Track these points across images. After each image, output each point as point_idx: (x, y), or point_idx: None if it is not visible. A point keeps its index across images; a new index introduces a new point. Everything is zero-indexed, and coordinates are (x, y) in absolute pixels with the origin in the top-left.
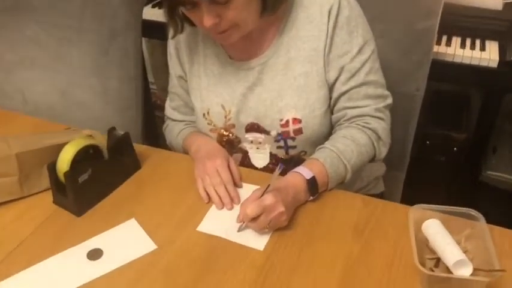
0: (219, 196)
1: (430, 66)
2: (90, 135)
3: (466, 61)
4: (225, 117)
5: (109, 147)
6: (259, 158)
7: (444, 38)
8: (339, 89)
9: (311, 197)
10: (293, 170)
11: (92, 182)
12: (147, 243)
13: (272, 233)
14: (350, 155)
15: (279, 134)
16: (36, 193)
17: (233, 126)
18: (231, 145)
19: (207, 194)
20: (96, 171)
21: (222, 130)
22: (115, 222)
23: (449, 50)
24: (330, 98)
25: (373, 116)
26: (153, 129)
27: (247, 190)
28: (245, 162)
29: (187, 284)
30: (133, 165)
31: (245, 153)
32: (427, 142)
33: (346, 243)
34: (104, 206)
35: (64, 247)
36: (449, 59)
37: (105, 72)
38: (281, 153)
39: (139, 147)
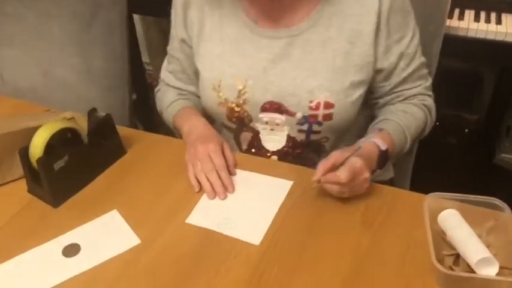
0: (211, 184)
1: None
2: (72, 118)
3: (481, 35)
4: (239, 91)
5: (89, 131)
6: (273, 140)
7: (456, 11)
8: (399, 75)
9: (378, 170)
10: (366, 140)
11: (69, 170)
12: (130, 238)
13: (270, 226)
14: (411, 130)
15: (304, 117)
16: (11, 181)
17: (247, 102)
18: (241, 123)
19: (198, 181)
20: (74, 157)
21: (233, 105)
22: (95, 214)
23: (462, 24)
24: (368, 85)
25: (425, 94)
26: (148, 113)
27: (242, 177)
28: (254, 143)
29: (175, 282)
30: (117, 150)
31: (256, 134)
32: (437, 123)
33: (353, 237)
34: (83, 196)
35: (38, 242)
36: (462, 33)
37: (89, 49)
38: (300, 137)
39: (124, 131)
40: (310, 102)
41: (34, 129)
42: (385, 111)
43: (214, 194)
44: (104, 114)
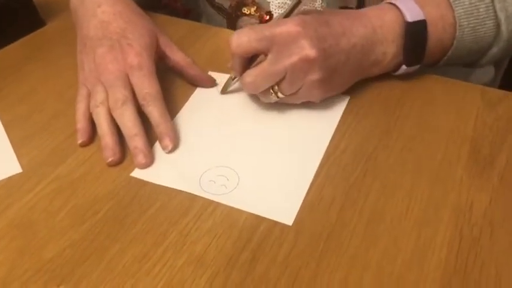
0: (113, 132)
1: None
2: None
3: None
4: None
5: None
6: None
7: None
8: None
9: (404, 67)
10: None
11: None
12: (7, 162)
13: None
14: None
15: None
16: None
17: None
18: None
19: (88, 123)
20: None
21: None
22: None
23: None
24: None
25: None
26: None
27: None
28: None
29: (69, 244)
30: (27, 18)
31: (266, 16)
32: None
33: (459, 188)
34: None
35: None
36: None
37: None
38: None
39: None
40: None
41: None
42: None
43: (118, 154)
44: None
